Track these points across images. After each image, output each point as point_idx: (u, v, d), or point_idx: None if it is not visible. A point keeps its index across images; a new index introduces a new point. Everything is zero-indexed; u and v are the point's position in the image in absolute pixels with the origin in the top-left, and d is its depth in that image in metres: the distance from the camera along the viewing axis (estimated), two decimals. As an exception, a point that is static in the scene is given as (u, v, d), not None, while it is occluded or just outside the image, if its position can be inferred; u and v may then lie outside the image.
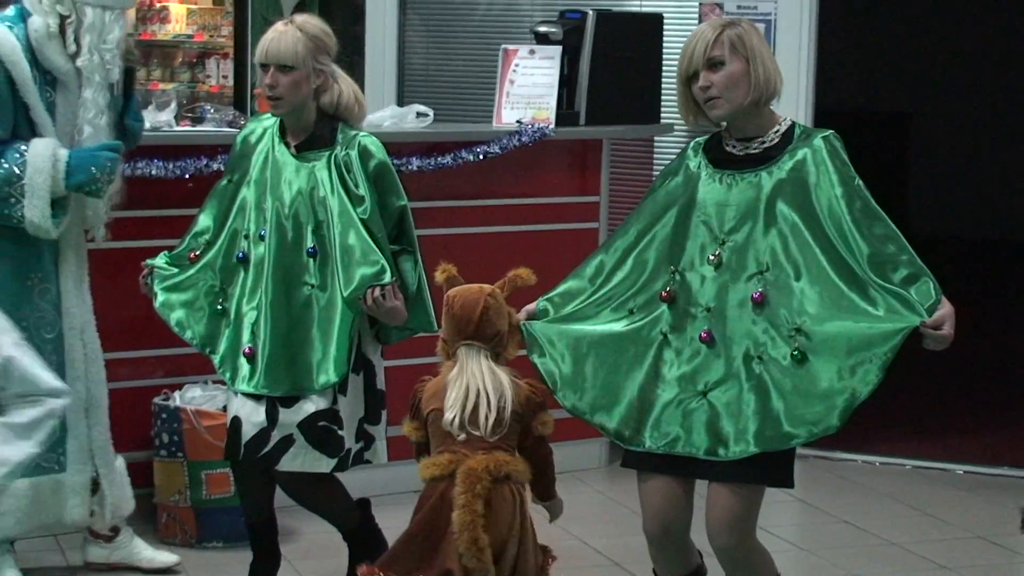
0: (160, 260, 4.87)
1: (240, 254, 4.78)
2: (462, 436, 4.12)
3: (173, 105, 6.03)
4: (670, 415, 3.96)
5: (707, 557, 4.16)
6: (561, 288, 4.19)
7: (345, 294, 4.62)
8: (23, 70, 4.92)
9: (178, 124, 6.01)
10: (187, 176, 5.69)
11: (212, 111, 6.14)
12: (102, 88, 5.04)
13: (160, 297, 4.82)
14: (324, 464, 4.68)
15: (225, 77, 9.20)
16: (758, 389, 3.89)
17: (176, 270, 4.84)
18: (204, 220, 4.86)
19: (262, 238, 4.71)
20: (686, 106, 4.08)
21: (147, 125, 5.70)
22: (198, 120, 6.15)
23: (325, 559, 5.40)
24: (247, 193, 4.79)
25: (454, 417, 4.11)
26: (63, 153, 4.93)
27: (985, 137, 13.14)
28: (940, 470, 6.89)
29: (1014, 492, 6.27)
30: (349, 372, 4.69)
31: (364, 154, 4.70)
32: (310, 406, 4.67)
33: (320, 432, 4.66)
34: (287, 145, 4.75)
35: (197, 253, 4.84)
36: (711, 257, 3.99)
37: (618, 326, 4.06)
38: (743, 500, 3.95)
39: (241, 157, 4.85)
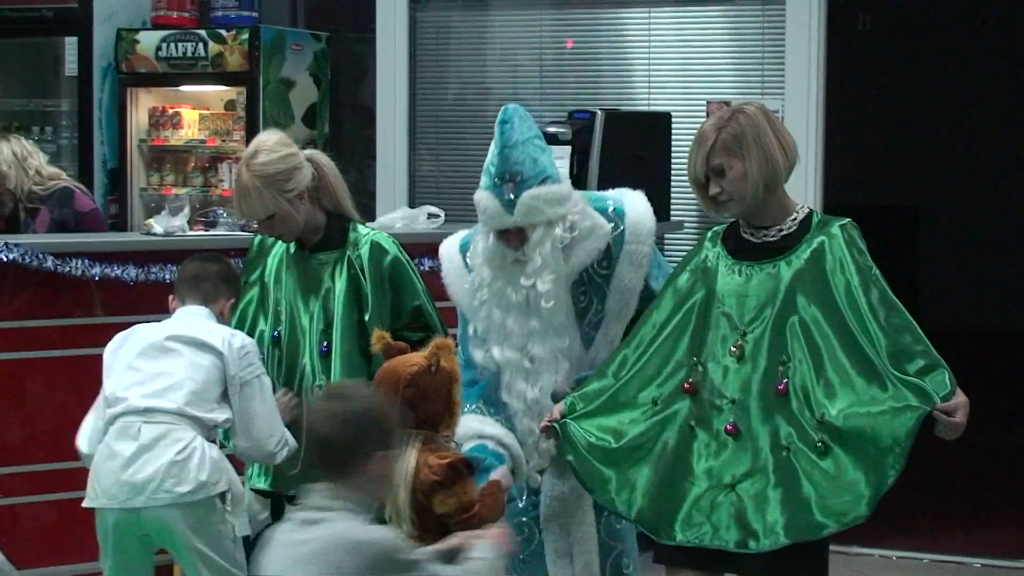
0: None
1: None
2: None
3: (186, 210, 6.07)
4: (700, 508, 3.95)
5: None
6: (587, 388, 4.19)
7: None
8: None
9: (191, 228, 6.04)
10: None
11: (225, 215, 6.18)
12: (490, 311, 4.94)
13: None
14: None
15: (237, 181, 9.21)
16: (786, 480, 3.89)
17: None
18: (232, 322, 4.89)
19: (276, 339, 4.73)
20: (704, 203, 4.15)
21: (160, 230, 5.73)
22: (211, 224, 6.19)
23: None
24: (262, 294, 4.82)
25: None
26: None
27: (995, 229, 13.15)
28: (957, 563, 6.83)
29: (1033, 585, 6.23)
30: None
31: (376, 251, 4.72)
32: None
33: None
34: (301, 246, 4.78)
35: None
36: (733, 349, 4.00)
37: (644, 422, 4.07)
38: None
39: (257, 258, 4.89)
